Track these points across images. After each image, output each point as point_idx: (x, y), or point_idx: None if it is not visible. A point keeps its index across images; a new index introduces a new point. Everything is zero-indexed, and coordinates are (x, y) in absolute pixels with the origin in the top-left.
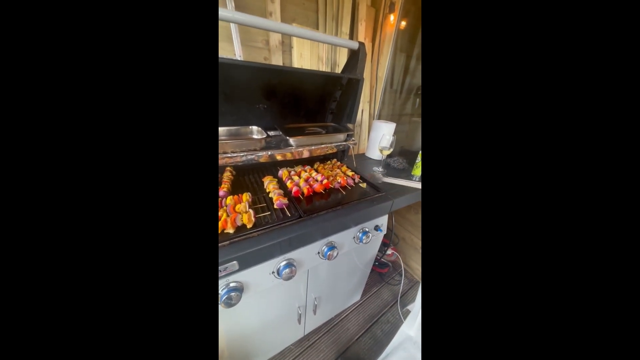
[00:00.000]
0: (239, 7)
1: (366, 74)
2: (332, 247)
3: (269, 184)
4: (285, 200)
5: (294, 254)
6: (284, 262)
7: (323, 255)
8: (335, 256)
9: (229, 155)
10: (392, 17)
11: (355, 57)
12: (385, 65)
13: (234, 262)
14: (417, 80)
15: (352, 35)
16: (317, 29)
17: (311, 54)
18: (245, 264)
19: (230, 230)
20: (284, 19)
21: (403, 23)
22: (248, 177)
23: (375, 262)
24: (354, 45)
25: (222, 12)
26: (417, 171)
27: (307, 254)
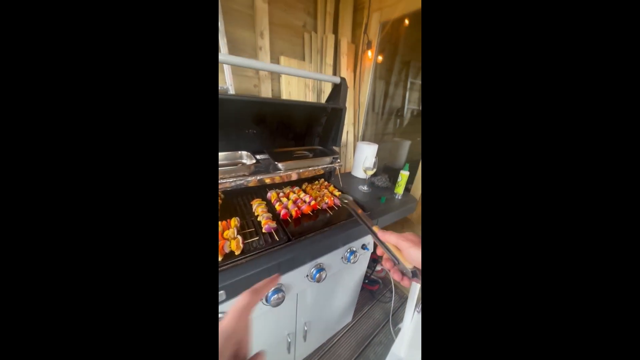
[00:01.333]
0: (231, 41)
1: (350, 99)
2: (320, 269)
3: (258, 207)
4: (274, 224)
5: (282, 279)
6: (272, 288)
7: (312, 278)
8: (325, 278)
9: (219, 181)
10: (369, 53)
11: (338, 89)
12: (367, 92)
13: (221, 291)
14: (396, 103)
15: (336, 66)
16: (304, 60)
17: (298, 81)
18: (232, 293)
19: (219, 258)
20: (272, 52)
21: (380, 58)
22: (237, 200)
23: (365, 279)
24: (337, 80)
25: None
26: (400, 189)
27: (296, 278)
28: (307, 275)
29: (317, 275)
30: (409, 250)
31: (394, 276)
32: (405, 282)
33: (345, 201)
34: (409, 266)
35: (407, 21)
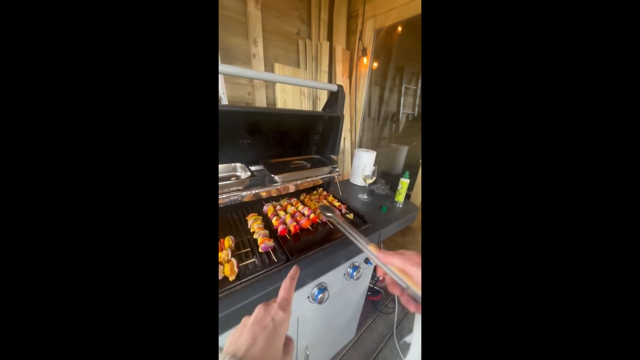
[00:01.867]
0: (223, 49)
1: (346, 106)
2: (323, 289)
3: (253, 223)
4: (271, 243)
5: None
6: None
7: (314, 299)
8: (327, 298)
9: None
10: (365, 59)
11: (335, 97)
12: (363, 98)
13: None
14: (391, 108)
15: (331, 72)
16: (299, 67)
17: (293, 88)
18: (226, 326)
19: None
20: (267, 59)
21: (375, 64)
22: (231, 215)
23: (367, 290)
24: (334, 87)
25: None
26: (400, 197)
27: (297, 300)
28: (309, 297)
29: (320, 296)
30: (418, 275)
31: (409, 307)
32: (416, 308)
33: (329, 214)
34: (419, 291)
35: (400, 28)
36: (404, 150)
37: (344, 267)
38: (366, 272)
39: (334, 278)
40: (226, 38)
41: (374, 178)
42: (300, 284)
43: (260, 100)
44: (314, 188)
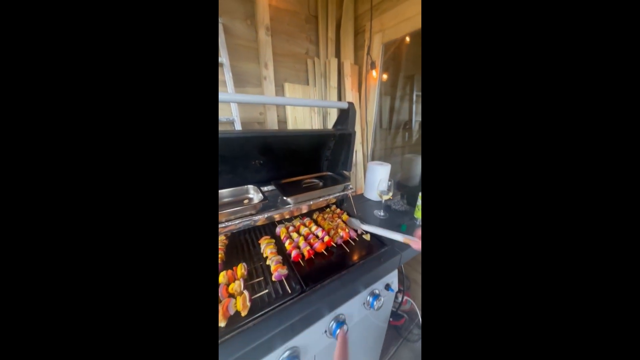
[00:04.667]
0: (236, 74)
1: (356, 119)
2: (341, 322)
3: (266, 248)
4: (285, 271)
5: (297, 340)
6: (286, 354)
7: (331, 334)
8: (346, 332)
9: (224, 224)
10: (374, 72)
11: (346, 114)
12: (373, 110)
13: None
14: (403, 116)
15: (340, 87)
16: (308, 84)
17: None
18: None
19: (222, 324)
20: (277, 80)
21: (385, 76)
22: (243, 238)
23: (389, 316)
24: (344, 105)
25: (223, 95)
26: (419, 213)
27: (313, 336)
28: (326, 331)
29: (338, 330)
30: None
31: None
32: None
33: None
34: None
35: (408, 39)
36: (419, 160)
37: (363, 296)
38: (387, 299)
39: (352, 308)
40: (238, 64)
41: (391, 194)
42: (316, 318)
43: (271, 119)
44: (327, 206)
